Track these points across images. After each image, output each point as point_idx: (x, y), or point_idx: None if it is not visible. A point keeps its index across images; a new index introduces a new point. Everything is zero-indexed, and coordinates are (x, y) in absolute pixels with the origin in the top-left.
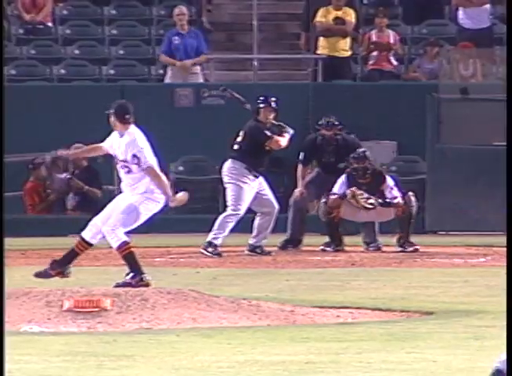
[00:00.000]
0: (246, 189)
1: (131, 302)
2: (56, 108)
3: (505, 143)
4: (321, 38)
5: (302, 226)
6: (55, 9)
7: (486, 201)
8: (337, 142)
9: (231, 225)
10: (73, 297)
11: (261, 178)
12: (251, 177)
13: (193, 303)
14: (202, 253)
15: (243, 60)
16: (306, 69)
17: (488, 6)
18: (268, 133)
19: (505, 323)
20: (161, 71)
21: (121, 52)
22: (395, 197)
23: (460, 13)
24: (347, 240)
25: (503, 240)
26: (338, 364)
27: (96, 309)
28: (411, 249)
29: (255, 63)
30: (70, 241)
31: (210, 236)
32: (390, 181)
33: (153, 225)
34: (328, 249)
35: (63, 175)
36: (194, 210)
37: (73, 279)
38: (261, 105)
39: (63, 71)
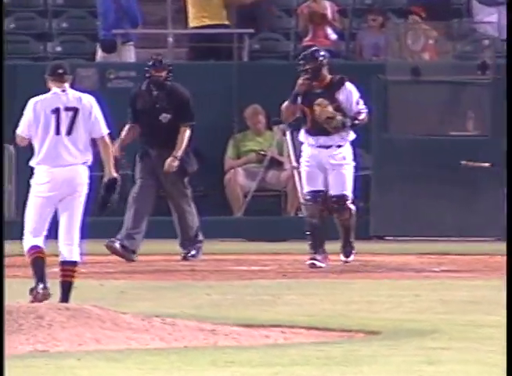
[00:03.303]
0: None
1: (23, 320)
2: None
3: (463, 133)
4: None
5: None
6: None
7: (441, 201)
8: (164, 87)
9: None
10: None
11: None
12: None
13: (97, 321)
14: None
15: (155, 36)
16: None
17: None
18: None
19: (463, 345)
20: (59, 48)
21: (12, 25)
22: (360, 112)
23: None
24: (275, 246)
25: (461, 247)
26: None
27: None
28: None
29: (170, 39)
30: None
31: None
32: (352, 88)
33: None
34: (318, 264)
35: None
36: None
37: None
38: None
39: None
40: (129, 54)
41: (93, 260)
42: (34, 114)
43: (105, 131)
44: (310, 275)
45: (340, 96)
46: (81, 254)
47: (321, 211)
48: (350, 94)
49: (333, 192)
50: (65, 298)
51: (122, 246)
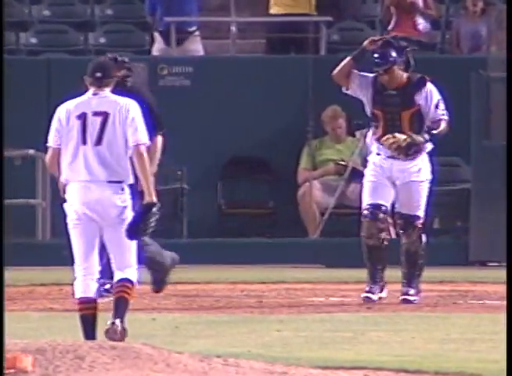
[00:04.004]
0: None
1: (60, 361)
2: None
3: None
4: None
5: None
6: None
7: None
8: (124, 87)
9: None
10: None
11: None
12: None
13: (147, 362)
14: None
15: (216, 25)
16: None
17: None
18: None
19: None
20: (102, 40)
21: (46, 12)
22: (439, 120)
23: None
24: (358, 273)
25: None
26: None
27: (12, 371)
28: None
29: (233, 29)
30: None
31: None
32: (433, 89)
33: None
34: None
35: None
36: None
37: None
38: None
39: None
40: (195, 46)
41: (143, 290)
42: (58, 122)
43: (143, 139)
44: (399, 308)
45: (420, 99)
46: (139, 282)
47: (380, 230)
48: (430, 96)
49: (401, 210)
50: (119, 313)
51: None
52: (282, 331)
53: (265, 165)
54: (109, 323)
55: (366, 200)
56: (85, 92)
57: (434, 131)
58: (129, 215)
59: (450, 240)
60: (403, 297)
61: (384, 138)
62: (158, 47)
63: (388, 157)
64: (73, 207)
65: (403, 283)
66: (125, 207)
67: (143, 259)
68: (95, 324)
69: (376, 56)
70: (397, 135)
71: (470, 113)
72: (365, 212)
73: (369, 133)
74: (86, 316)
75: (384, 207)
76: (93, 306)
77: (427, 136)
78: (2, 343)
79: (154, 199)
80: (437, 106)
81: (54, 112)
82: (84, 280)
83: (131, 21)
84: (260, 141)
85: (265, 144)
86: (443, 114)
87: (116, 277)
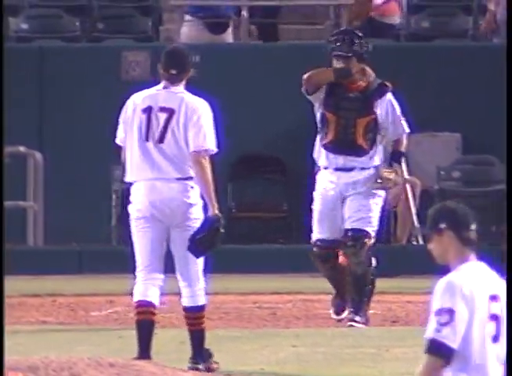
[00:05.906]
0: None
1: None
2: None
3: None
4: None
5: None
6: None
7: None
8: None
9: None
10: None
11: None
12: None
13: None
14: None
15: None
16: (323, 22)
17: None
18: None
19: None
20: (100, 26)
21: None
22: (399, 141)
23: None
24: (382, 283)
25: None
26: None
27: None
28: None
29: (245, 14)
30: None
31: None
32: (394, 100)
33: (85, 263)
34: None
35: None
36: None
37: None
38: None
39: None
40: (230, 33)
41: None
42: (124, 115)
43: (205, 144)
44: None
45: (379, 108)
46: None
47: (333, 265)
48: (391, 107)
49: (348, 225)
50: (196, 351)
51: None
52: (298, 347)
53: (279, 164)
54: (190, 363)
55: (315, 233)
56: (158, 82)
57: (402, 159)
58: (199, 214)
59: (483, 247)
60: (349, 323)
61: (388, 170)
62: (190, 33)
63: (336, 169)
64: (138, 208)
65: (350, 310)
66: (194, 205)
67: None
68: (152, 332)
69: (338, 44)
70: (394, 175)
71: (504, 106)
72: (314, 248)
73: (317, 141)
74: (142, 322)
75: (334, 243)
76: (150, 311)
77: (397, 167)
78: (2, 349)
79: (216, 211)
80: (400, 120)
81: (49, 106)
82: (144, 284)
83: (132, 5)
84: (273, 137)
85: (279, 141)
86: (406, 128)
87: (185, 302)
